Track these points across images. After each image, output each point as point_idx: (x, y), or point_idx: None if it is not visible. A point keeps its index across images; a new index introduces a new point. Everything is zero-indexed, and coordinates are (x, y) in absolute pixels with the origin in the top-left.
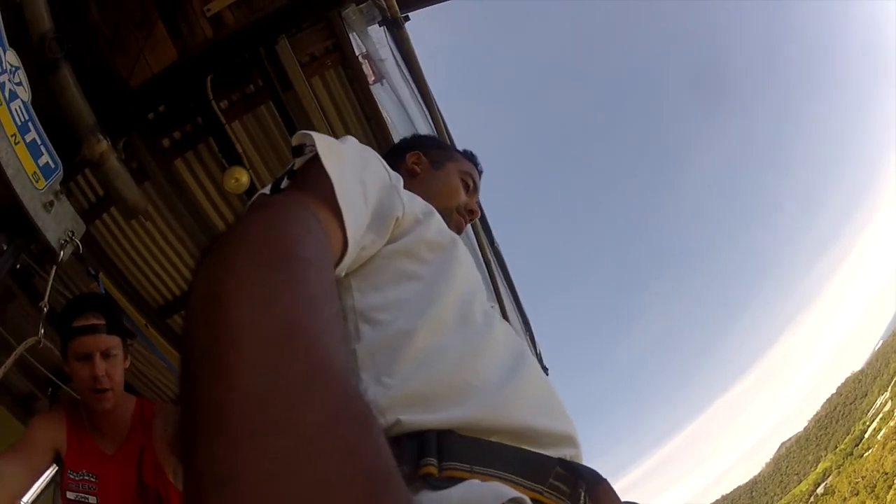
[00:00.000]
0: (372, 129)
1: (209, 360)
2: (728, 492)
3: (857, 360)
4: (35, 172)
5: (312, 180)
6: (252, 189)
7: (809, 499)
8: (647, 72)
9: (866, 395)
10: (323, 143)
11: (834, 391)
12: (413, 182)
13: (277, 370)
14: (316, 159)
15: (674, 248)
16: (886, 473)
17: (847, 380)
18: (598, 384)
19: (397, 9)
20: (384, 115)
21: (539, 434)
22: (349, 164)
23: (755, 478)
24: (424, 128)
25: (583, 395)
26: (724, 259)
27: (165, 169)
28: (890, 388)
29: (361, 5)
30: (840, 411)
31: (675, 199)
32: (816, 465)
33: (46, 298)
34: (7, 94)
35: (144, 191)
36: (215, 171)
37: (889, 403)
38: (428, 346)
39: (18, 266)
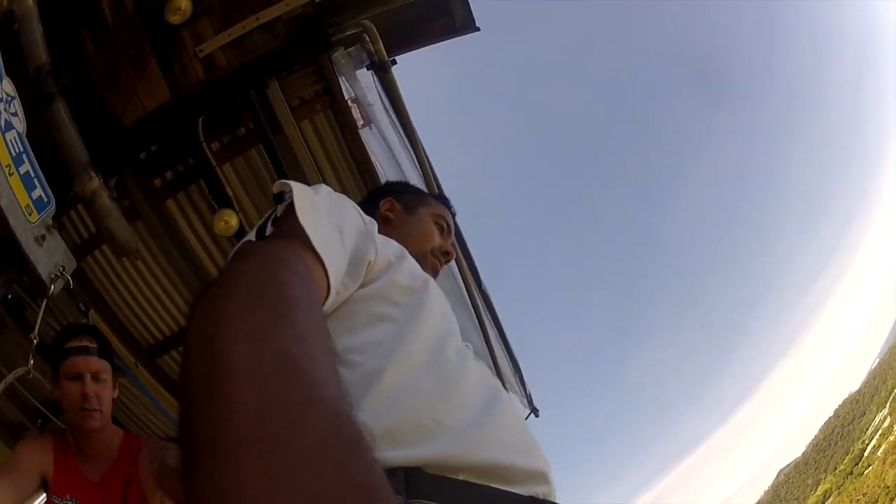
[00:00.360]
0: (360, 174)
1: (207, 391)
2: None
3: (853, 380)
4: (28, 205)
5: (294, 228)
6: (241, 231)
7: None
8: (641, 75)
9: (864, 414)
10: (299, 192)
11: (831, 414)
12: (388, 228)
13: (272, 397)
14: (295, 207)
15: (671, 272)
16: (888, 487)
17: (844, 402)
18: (594, 414)
19: (384, 52)
20: (373, 159)
21: (509, 471)
22: (325, 212)
23: None
24: (412, 171)
25: (578, 425)
26: (725, 283)
27: (157, 209)
28: (889, 403)
29: (350, 49)
30: (838, 433)
31: (671, 222)
32: (816, 489)
33: (37, 330)
34: (3, 124)
35: (136, 230)
36: (206, 213)
37: (888, 419)
38: (397, 384)
39: (10, 296)
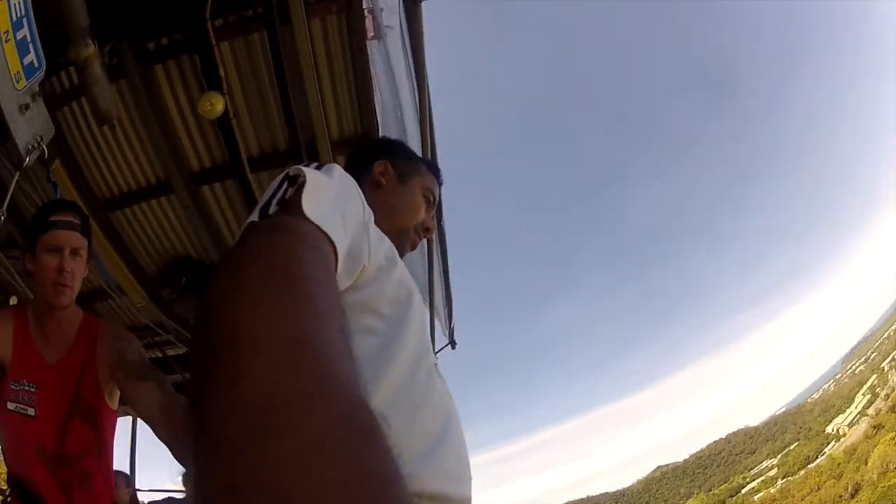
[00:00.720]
0: (357, 85)
1: (219, 370)
2: (594, 494)
3: (755, 416)
4: (18, 72)
5: (306, 208)
6: (225, 116)
7: None
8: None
9: (754, 452)
10: (313, 177)
11: (723, 437)
12: (377, 193)
13: (285, 379)
14: (304, 188)
15: (631, 235)
16: None
17: (739, 431)
18: (504, 353)
19: None
20: (372, 73)
21: (448, 500)
22: (334, 196)
23: (624, 490)
24: (409, 102)
25: (486, 361)
26: (676, 267)
27: (143, 71)
28: (779, 456)
29: None
30: (724, 457)
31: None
32: (686, 501)
33: (5, 206)
34: None
35: (118, 87)
36: (193, 89)
37: (775, 470)
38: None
39: None
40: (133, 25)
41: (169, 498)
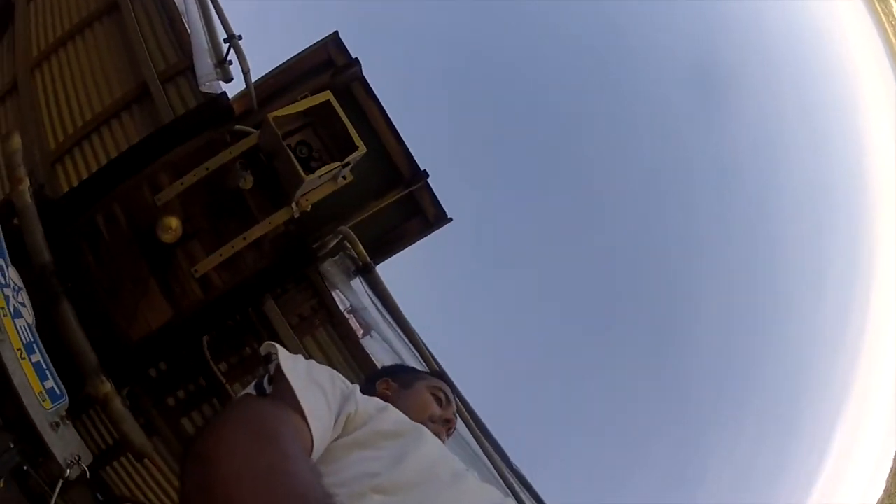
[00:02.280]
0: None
1: (208, 495)
2: None
3: None
4: (41, 392)
5: (285, 392)
6: None
7: None
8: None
9: None
10: (285, 357)
11: None
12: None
13: (264, 496)
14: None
15: None
16: None
17: None
18: None
19: (365, 254)
20: (377, 365)
21: None
22: (308, 375)
23: None
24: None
25: None
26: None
27: (173, 427)
28: None
29: (335, 258)
30: None
31: None
32: None
33: None
34: (11, 309)
35: (153, 444)
36: None
37: None
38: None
39: (26, 468)
40: (143, 376)
41: None
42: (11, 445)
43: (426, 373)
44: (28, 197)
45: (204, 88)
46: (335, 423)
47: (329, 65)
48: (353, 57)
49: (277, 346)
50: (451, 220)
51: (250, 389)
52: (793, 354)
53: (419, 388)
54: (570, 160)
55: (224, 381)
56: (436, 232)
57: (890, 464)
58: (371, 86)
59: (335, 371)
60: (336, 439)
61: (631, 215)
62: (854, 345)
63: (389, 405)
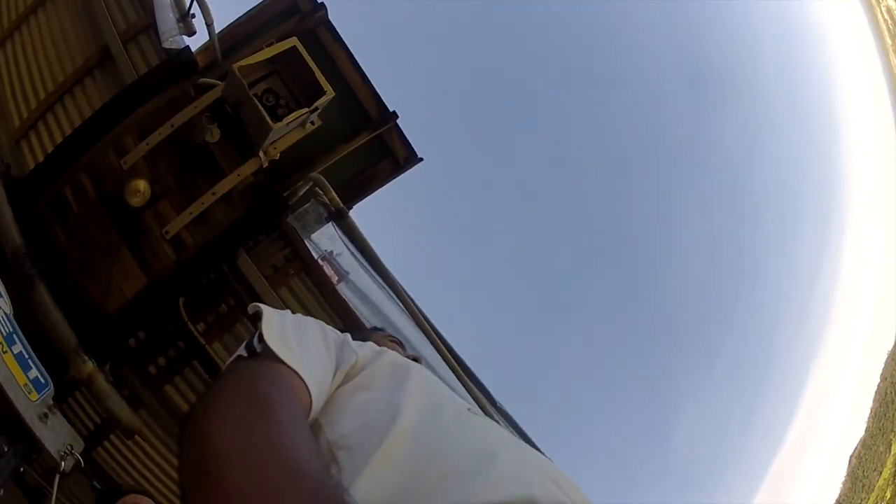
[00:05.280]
0: (346, 327)
1: (202, 473)
2: None
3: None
4: (26, 384)
5: (276, 350)
6: None
7: None
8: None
9: None
10: (269, 316)
11: (878, 380)
12: None
13: (259, 473)
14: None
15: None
16: None
17: (886, 362)
18: None
19: (339, 200)
20: (354, 310)
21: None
22: (298, 330)
23: None
24: (393, 310)
25: None
26: None
27: (157, 395)
28: None
29: (307, 205)
30: (892, 395)
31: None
32: (891, 449)
33: None
34: None
35: (140, 417)
36: None
37: None
38: (400, 451)
39: (22, 469)
40: (123, 348)
41: None
42: (6, 449)
43: (372, 328)
44: None
45: (167, 45)
46: (335, 374)
47: (294, 10)
48: (319, 1)
49: (263, 305)
50: (421, 160)
51: (241, 351)
52: (771, 297)
53: (380, 341)
54: (545, 99)
55: (203, 343)
56: (408, 173)
57: (870, 405)
58: (338, 30)
59: (322, 322)
60: (340, 386)
61: (610, 159)
62: (827, 291)
63: (385, 348)
